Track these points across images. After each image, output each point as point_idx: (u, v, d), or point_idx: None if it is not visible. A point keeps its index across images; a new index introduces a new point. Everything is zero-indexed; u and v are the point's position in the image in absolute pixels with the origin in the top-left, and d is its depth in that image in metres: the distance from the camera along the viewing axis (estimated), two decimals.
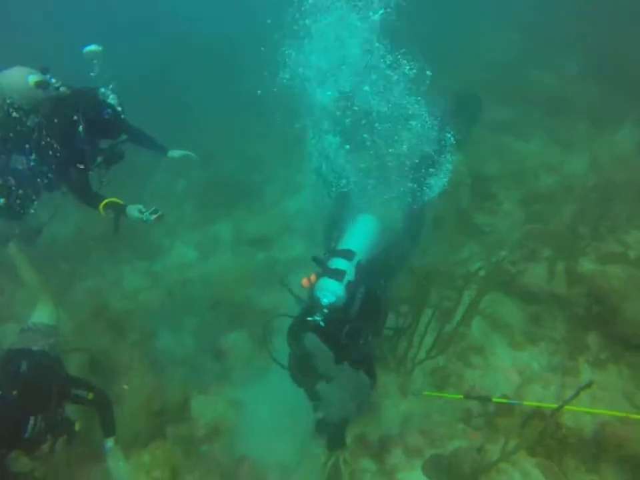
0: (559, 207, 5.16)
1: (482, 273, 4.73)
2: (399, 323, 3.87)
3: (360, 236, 3.73)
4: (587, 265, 4.39)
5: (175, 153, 4.30)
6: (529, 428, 3.24)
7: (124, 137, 3.78)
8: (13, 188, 3.66)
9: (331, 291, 3.26)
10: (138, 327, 5.14)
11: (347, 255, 3.50)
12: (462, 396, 3.47)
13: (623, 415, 3.02)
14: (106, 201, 3.50)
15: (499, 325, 4.27)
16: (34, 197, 3.82)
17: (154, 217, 3.47)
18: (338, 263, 3.42)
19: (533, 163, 6.10)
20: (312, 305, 3.28)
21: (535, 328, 4.14)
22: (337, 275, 3.31)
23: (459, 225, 5.35)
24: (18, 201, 3.70)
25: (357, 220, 3.92)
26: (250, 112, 8.12)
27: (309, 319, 3.15)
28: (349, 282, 3.33)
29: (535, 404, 3.25)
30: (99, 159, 3.66)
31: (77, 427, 3.18)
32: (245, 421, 3.96)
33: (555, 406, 3.17)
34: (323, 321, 3.12)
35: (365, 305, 3.35)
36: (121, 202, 3.53)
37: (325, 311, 3.18)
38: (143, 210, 3.48)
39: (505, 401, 3.33)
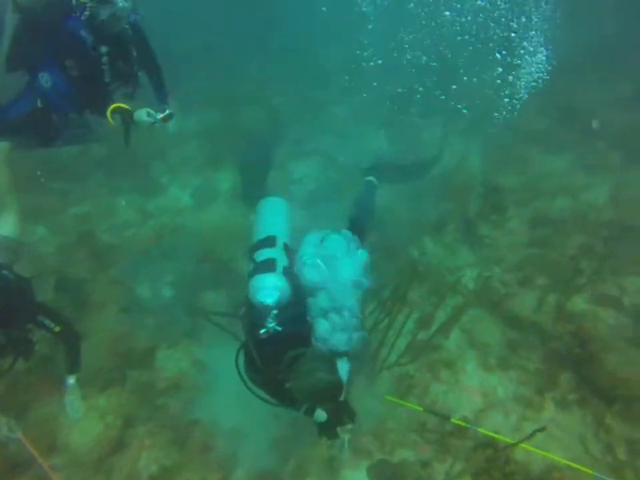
0: (567, 236, 5.00)
1: (471, 285, 4.68)
2: (378, 316, 3.79)
3: (271, 219, 3.29)
4: (579, 303, 4.32)
5: (169, 111, 4.01)
6: (479, 455, 3.26)
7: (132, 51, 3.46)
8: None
9: (269, 287, 2.76)
10: (120, 264, 5.08)
11: (268, 241, 3.05)
12: (422, 408, 3.46)
13: (570, 463, 3.02)
14: (113, 105, 3.34)
15: (476, 342, 4.23)
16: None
17: (161, 115, 3.39)
18: (263, 254, 2.98)
19: (553, 182, 5.87)
20: (257, 314, 2.73)
21: (510, 354, 4.11)
22: (268, 265, 2.85)
23: (461, 232, 5.20)
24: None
25: (262, 206, 3.48)
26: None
27: (261, 332, 2.63)
28: (285, 267, 2.88)
29: (490, 434, 3.24)
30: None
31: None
32: (205, 383, 3.98)
33: (509, 441, 3.18)
34: (278, 325, 2.63)
35: None
36: (129, 107, 3.38)
37: (275, 312, 2.68)
38: (152, 112, 3.37)
39: (462, 424, 3.33)
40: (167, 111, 3.45)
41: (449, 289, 4.43)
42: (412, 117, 7.06)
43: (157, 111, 3.41)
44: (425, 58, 7.56)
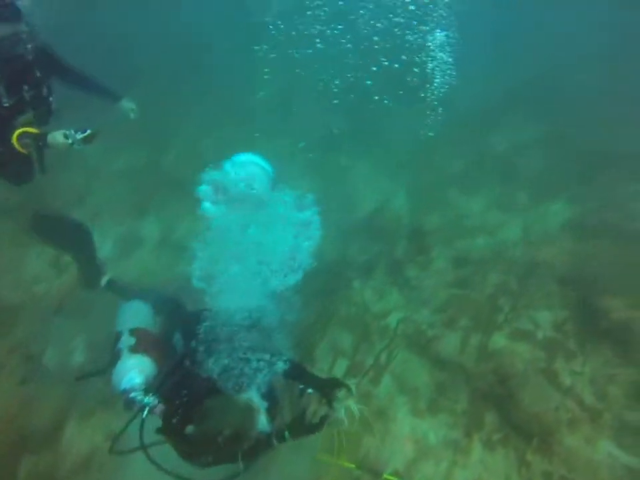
0: (485, 274, 5.29)
1: (399, 329, 4.77)
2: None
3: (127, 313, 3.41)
4: (498, 341, 4.52)
5: (126, 101, 3.84)
6: None
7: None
8: None
9: (131, 369, 2.74)
10: (24, 327, 4.59)
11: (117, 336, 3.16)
12: (355, 465, 3.38)
13: None
14: (19, 131, 3.05)
15: (405, 387, 4.27)
16: None
17: (82, 136, 3.09)
18: (122, 342, 3.02)
19: (473, 221, 6.27)
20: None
21: (438, 397, 4.18)
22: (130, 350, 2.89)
23: (389, 274, 5.33)
24: None
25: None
26: None
27: (144, 417, 2.53)
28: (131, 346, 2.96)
29: None
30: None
31: None
32: (122, 461, 3.61)
33: None
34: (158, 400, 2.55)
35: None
36: (37, 130, 3.11)
37: (140, 396, 2.57)
38: (69, 132, 3.07)
39: (394, 479, 3.28)
40: (88, 131, 3.16)
41: (379, 336, 4.49)
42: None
43: (76, 131, 3.13)
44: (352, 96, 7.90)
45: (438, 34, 6.65)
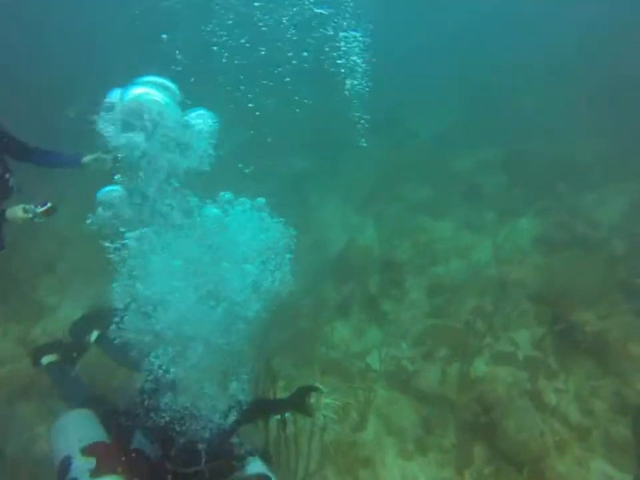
0: (461, 300, 5.33)
1: (381, 367, 4.72)
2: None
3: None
4: (479, 366, 4.51)
5: (87, 158, 3.85)
6: None
7: None
8: None
9: None
10: None
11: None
12: None
13: None
14: None
15: (392, 428, 4.18)
16: None
17: (42, 209, 3.10)
18: (76, 470, 2.38)
19: (444, 245, 6.35)
20: None
21: (426, 434, 4.10)
22: None
23: (365, 310, 5.33)
24: None
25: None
26: None
27: None
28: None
29: None
30: None
31: None
32: None
33: None
34: None
35: None
36: None
37: None
38: (29, 207, 3.08)
39: None
40: (48, 204, 3.17)
41: (361, 378, 4.44)
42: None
43: (36, 205, 3.13)
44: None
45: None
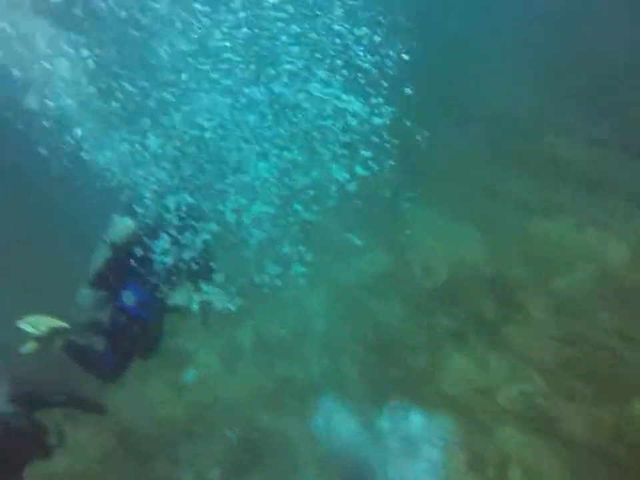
0: (594, 315, 4.64)
1: (514, 407, 4.31)
2: None
3: None
4: (636, 406, 3.87)
5: None
6: None
7: None
8: None
9: None
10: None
11: None
12: None
13: None
14: None
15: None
16: None
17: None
18: None
19: (565, 250, 5.59)
20: None
21: None
22: None
23: (483, 338, 4.90)
24: None
25: None
26: None
27: None
28: None
29: None
30: None
31: None
32: None
33: None
34: None
35: None
36: None
37: None
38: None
39: None
40: None
41: (491, 417, 4.09)
42: None
43: None
44: None
45: None
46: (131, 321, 3.30)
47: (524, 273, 5.37)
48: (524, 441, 4.02)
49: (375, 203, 7.24)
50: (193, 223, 3.41)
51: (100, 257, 3.40)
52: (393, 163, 7.35)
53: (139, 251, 3.25)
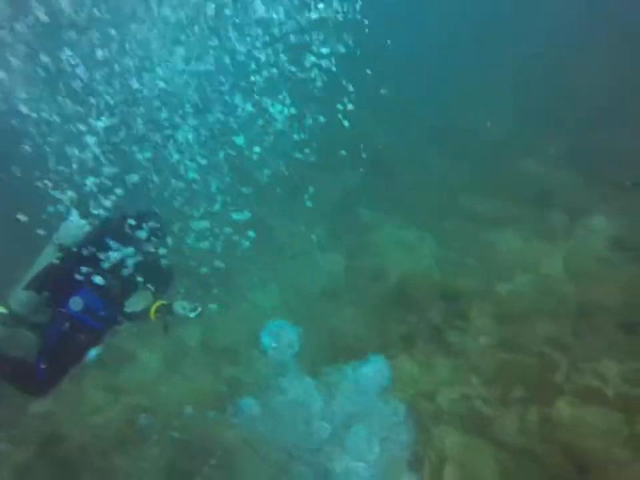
0: (533, 326, 4.94)
1: (453, 408, 4.51)
2: None
3: None
4: (563, 408, 4.17)
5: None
6: None
7: None
8: None
9: None
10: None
11: None
12: None
13: None
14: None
15: (471, 478, 3.99)
16: None
17: (193, 314, 3.34)
18: None
19: (509, 261, 5.93)
20: None
21: None
22: None
23: (429, 343, 5.10)
24: None
25: None
26: None
27: None
28: None
29: None
30: None
31: None
32: None
33: None
34: None
35: None
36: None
37: None
38: (186, 307, 3.32)
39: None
40: (199, 310, 3.38)
41: (434, 420, 4.27)
42: None
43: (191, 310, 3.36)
44: None
45: None
46: (75, 328, 3.05)
47: (471, 282, 5.63)
48: (461, 441, 4.21)
49: (334, 208, 7.38)
50: (150, 228, 3.32)
51: (45, 258, 3.21)
52: (361, 171, 7.54)
53: (91, 254, 3.07)
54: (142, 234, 3.27)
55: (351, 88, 4.75)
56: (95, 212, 3.35)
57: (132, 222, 3.24)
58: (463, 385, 4.61)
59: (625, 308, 4.83)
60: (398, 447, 4.19)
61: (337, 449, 4.12)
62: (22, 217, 3.10)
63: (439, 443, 4.21)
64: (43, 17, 3.41)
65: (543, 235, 6.21)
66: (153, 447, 4.83)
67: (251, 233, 4.81)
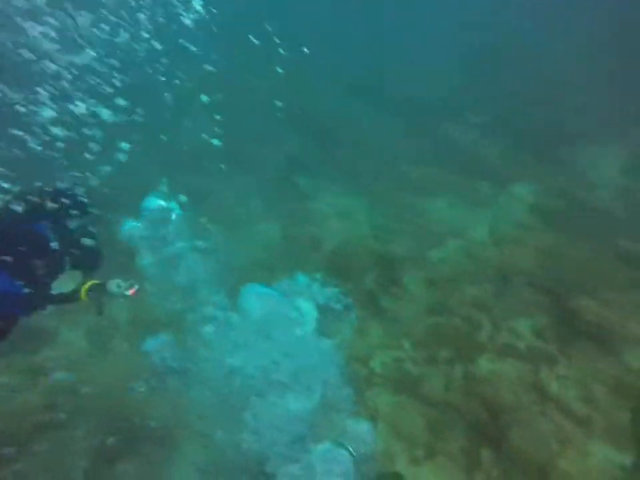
0: (461, 290, 5.25)
1: (386, 371, 4.74)
2: None
3: None
4: (483, 365, 4.54)
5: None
6: None
7: None
8: None
9: None
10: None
11: None
12: None
13: None
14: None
15: (401, 433, 4.29)
16: None
17: (130, 292, 3.14)
18: None
19: (439, 227, 6.17)
20: None
21: (434, 439, 4.21)
22: None
23: (365, 308, 5.25)
24: None
25: None
26: None
27: None
28: None
29: None
30: None
31: None
32: None
33: None
34: None
35: None
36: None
37: None
38: (121, 285, 3.10)
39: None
40: (136, 287, 3.16)
41: (366, 382, 4.46)
42: None
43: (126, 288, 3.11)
44: None
45: None
46: None
47: (404, 248, 5.81)
48: (391, 401, 4.49)
49: (272, 175, 7.14)
50: (71, 203, 2.97)
51: None
52: (301, 138, 7.30)
53: (7, 233, 2.76)
54: (61, 210, 2.94)
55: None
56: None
57: (50, 197, 2.89)
58: (394, 349, 4.85)
59: (539, 269, 5.25)
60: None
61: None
62: None
63: (371, 404, 4.45)
64: None
65: (470, 202, 6.51)
66: (79, 428, 4.62)
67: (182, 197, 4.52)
